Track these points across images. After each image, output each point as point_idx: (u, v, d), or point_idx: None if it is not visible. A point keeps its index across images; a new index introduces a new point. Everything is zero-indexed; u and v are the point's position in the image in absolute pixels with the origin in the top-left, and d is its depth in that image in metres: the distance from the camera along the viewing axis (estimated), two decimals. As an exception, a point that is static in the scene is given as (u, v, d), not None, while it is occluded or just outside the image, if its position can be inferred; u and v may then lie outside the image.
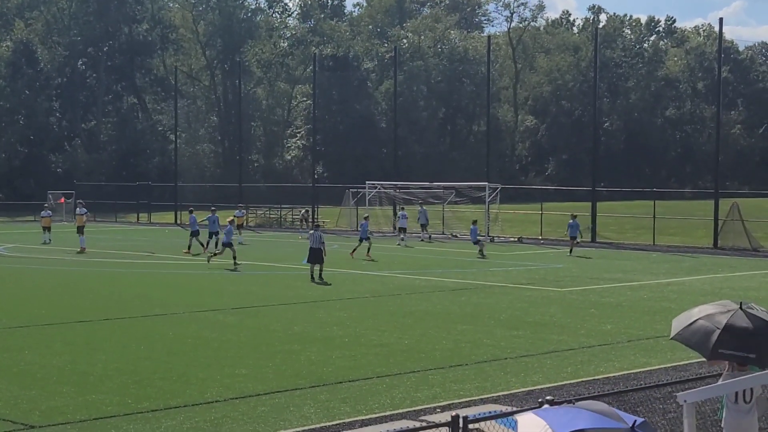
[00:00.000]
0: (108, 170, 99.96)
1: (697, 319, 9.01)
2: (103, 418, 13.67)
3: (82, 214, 47.74)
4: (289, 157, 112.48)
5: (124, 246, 49.36)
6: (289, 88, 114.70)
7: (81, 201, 52.32)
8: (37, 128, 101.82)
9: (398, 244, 50.32)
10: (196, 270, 36.94)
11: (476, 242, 44.07)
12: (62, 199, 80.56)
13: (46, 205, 57.35)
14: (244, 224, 57.31)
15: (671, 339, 9.32)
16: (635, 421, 6.30)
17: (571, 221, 45.28)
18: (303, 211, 63.77)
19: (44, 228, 51.56)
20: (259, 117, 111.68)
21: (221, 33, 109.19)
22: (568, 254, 44.11)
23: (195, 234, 44.79)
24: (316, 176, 78.55)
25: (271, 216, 75.02)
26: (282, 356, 18.51)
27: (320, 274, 33.13)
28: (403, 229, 51.69)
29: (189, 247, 44.17)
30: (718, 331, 8.76)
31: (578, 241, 45.69)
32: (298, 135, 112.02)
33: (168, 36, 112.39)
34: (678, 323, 9.20)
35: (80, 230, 46.45)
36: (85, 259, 40.95)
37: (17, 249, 46.98)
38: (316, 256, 33.16)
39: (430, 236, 55.26)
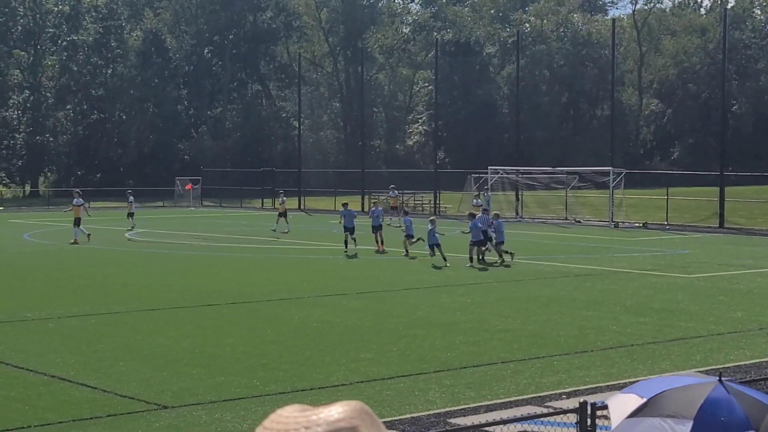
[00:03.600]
0: (233, 157, 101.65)
1: None
2: (233, 400, 13.95)
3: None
4: (410, 143, 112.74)
5: (249, 231, 50.13)
6: (410, 74, 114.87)
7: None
8: (165, 116, 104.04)
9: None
10: (319, 255, 37.35)
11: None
12: (189, 186, 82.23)
13: (76, 191, 49.27)
14: (398, 206, 56.32)
15: None
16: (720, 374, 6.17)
17: None
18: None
19: (129, 214, 51.94)
20: (381, 103, 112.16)
21: (344, 19, 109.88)
22: None
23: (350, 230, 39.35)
24: (437, 161, 78.58)
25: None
26: (406, 341, 18.60)
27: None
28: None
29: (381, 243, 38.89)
30: None
31: None
32: (419, 120, 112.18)
33: (291, 23, 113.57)
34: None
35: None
36: (212, 245, 41.73)
37: (147, 234, 48.14)
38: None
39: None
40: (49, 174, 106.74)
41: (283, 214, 50.13)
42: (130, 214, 51.87)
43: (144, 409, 13.44)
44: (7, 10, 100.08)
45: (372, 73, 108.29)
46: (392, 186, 59.36)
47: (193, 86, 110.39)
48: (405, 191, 74.97)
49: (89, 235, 42.67)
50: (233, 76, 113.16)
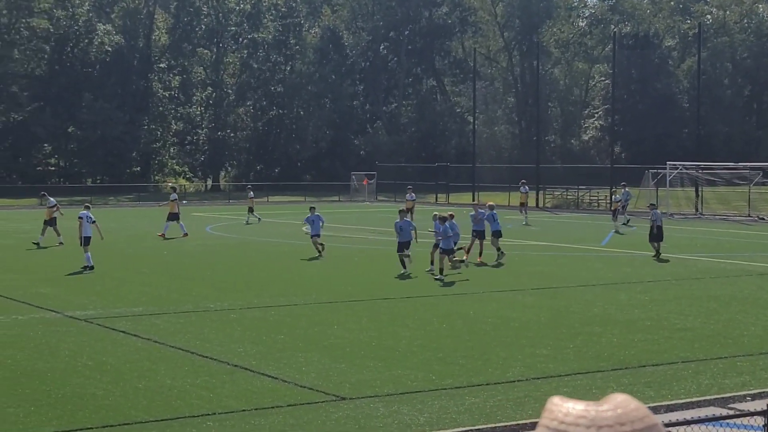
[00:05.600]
0: (408, 152, 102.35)
1: None
2: (409, 393, 14.05)
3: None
4: (586, 138, 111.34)
5: (423, 226, 50.28)
6: (587, 68, 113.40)
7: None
8: (342, 112, 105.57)
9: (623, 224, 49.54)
10: (493, 250, 37.20)
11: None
12: (365, 180, 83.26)
13: (173, 186, 50.96)
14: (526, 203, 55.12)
15: None
16: None
17: None
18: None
19: (249, 209, 53.07)
20: (556, 97, 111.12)
21: (519, 14, 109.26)
22: None
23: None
24: (614, 156, 77.27)
25: (568, 197, 74.46)
26: (583, 338, 18.38)
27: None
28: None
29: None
30: None
31: None
32: (595, 115, 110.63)
33: (467, 18, 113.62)
34: None
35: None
36: (385, 239, 42.10)
37: (323, 228, 48.81)
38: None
39: (628, 221, 52.12)
40: (229, 168, 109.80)
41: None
42: (251, 209, 53.16)
43: (323, 400, 13.67)
44: (191, 9, 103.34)
45: (547, 67, 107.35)
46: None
47: (369, 82, 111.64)
48: (580, 187, 74.08)
49: (185, 234, 42.12)
50: (408, 72, 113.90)
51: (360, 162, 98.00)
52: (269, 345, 17.58)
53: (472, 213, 33.32)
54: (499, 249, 32.24)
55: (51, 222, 39.07)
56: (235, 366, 15.76)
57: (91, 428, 12.29)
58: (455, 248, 28.74)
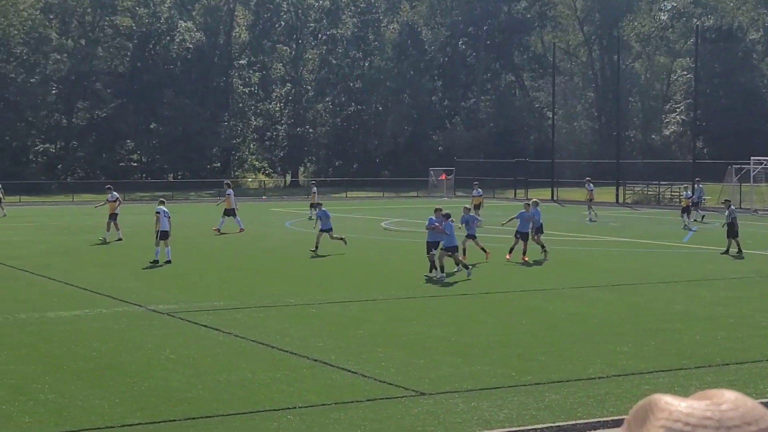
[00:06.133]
0: (486, 147, 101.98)
1: None
2: (488, 389, 14.02)
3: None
4: (667, 133, 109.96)
5: (490, 221, 50.09)
6: (668, 62, 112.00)
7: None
8: (420, 107, 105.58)
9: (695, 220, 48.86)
10: (572, 246, 37.00)
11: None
12: (443, 176, 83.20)
13: (228, 182, 48.03)
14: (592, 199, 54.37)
15: None
16: None
17: None
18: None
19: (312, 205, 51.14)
20: (636, 92, 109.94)
21: (600, 8, 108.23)
22: None
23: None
24: (696, 152, 76.20)
25: (649, 193, 73.62)
26: (664, 335, 18.18)
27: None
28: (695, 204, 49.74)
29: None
30: None
31: None
32: (677, 110, 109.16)
33: (546, 13, 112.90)
34: None
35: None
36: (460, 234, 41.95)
37: (402, 224, 49.02)
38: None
39: (703, 217, 51.06)
40: (308, 164, 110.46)
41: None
42: (312, 205, 53.10)
43: (402, 395, 13.71)
44: (271, 6, 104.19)
45: (628, 61, 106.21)
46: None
47: (448, 77, 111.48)
48: (661, 182, 73.18)
49: (242, 230, 42.37)
50: (487, 67, 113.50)
51: (438, 158, 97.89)
52: (348, 340, 17.68)
53: (523, 211, 32.15)
54: (543, 246, 31.81)
55: (113, 217, 39.12)
56: (315, 360, 15.87)
57: (174, 420, 12.48)
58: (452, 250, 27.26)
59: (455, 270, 27.48)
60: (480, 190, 53.21)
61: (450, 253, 27.03)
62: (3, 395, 13.66)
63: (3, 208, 56.15)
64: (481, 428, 12.13)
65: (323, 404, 13.19)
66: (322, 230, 33.94)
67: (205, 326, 19.10)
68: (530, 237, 31.58)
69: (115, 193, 40.50)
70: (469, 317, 20.32)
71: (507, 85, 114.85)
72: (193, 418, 12.56)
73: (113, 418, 12.55)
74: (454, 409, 12.95)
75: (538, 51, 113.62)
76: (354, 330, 18.66)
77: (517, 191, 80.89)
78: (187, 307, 21.56)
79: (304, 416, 12.62)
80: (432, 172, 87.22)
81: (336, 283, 25.68)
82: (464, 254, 29.87)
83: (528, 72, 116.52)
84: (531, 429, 12.10)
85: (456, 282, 26.00)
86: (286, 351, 16.65)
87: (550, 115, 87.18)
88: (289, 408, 12.98)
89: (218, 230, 42.23)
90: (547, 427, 12.12)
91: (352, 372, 15.06)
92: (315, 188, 55.25)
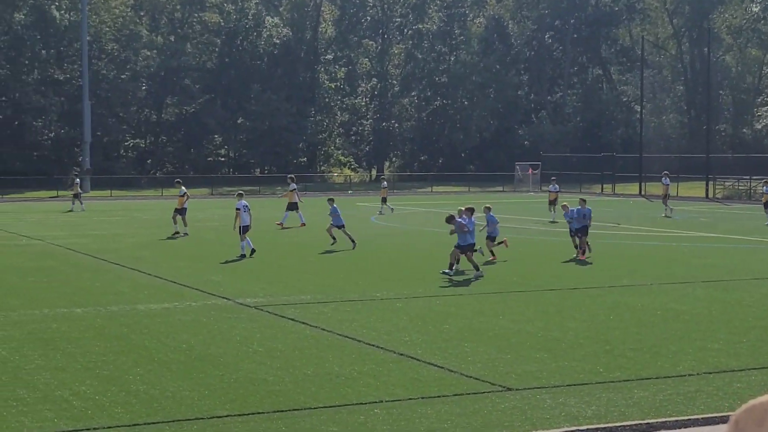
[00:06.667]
0: (573, 141, 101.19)
1: None
2: (576, 385, 13.90)
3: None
4: (759, 126, 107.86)
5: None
6: (760, 55, 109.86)
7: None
8: (506, 101, 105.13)
9: None
10: (661, 242, 36.51)
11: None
12: (530, 170, 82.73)
13: (292, 176, 48.62)
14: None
15: None
16: None
17: None
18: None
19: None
20: (727, 85, 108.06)
21: (689, 0, 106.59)
22: None
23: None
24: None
25: (740, 188, 72.37)
26: (757, 332, 17.84)
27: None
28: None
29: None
30: None
31: None
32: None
33: (634, 6, 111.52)
34: None
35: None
36: (549, 230, 41.67)
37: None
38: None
39: None
40: (393, 159, 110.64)
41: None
42: (384, 199, 53.23)
43: (489, 390, 13.65)
44: (357, 1, 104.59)
45: (719, 54, 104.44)
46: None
47: (534, 71, 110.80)
48: (753, 177, 71.86)
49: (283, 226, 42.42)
50: (574, 61, 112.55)
51: (524, 152, 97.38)
52: (435, 334, 17.66)
53: (573, 209, 31.69)
54: (587, 245, 31.19)
55: (181, 211, 39.38)
56: (402, 354, 15.88)
57: (263, 413, 12.58)
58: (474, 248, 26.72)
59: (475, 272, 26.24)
60: (557, 185, 52.00)
61: (464, 252, 26.28)
62: (96, 386, 13.91)
63: (82, 203, 57.31)
64: (568, 424, 12.03)
65: (409, 398, 13.19)
66: (334, 226, 34.34)
67: (292, 320, 19.24)
68: (486, 243, 30.49)
69: (183, 188, 40.74)
70: (557, 312, 20.16)
71: (594, 79, 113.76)
72: (282, 411, 12.65)
73: (203, 409, 12.71)
74: (541, 405, 12.86)
75: (626, 44, 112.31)
76: (440, 324, 18.64)
77: (604, 186, 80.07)
78: (274, 300, 21.74)
79: (391, 410, 12.63)
80: (518, 167, 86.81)
81: (422, 277, 25.64)
82: (493, 255, 29.98)
83: (615, 65, 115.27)
84: (619, 426, 11.96)
85: (543, 277, 25.82)
86: (373, 345, 16.69)
87: (638, 109, 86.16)
88: (375, 402, 13.01)
89: (281, 224, 42.36)
90: (635, 424, 11.97)
91: (439, 366, 15.04)
92: (385, 182, 55.34)
